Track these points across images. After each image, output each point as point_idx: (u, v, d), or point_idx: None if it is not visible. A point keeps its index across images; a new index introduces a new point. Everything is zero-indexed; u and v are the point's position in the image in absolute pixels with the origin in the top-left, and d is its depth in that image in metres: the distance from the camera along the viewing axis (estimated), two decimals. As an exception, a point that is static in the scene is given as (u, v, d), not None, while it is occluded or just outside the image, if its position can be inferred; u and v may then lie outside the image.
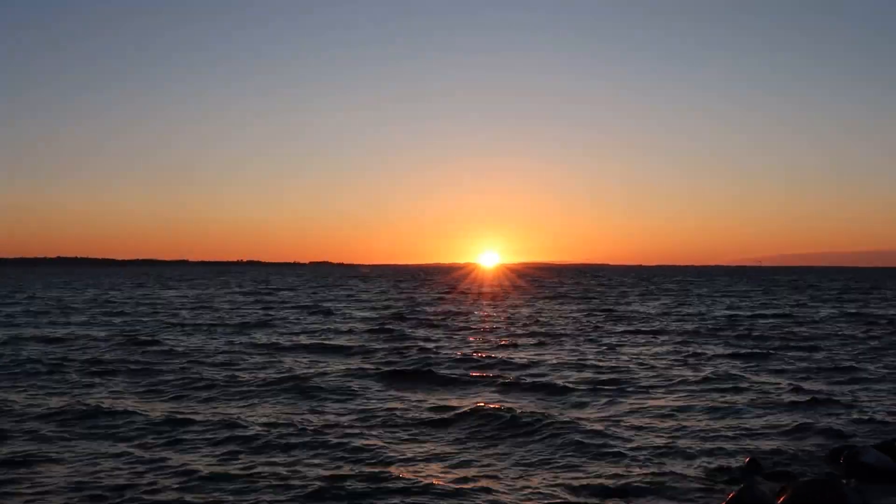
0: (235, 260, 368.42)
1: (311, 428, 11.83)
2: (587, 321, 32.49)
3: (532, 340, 24.48)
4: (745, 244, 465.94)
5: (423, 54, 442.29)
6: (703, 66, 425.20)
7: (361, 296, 58.26)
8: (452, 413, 12.87)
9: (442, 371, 17.85)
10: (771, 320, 32.86)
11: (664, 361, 19.48)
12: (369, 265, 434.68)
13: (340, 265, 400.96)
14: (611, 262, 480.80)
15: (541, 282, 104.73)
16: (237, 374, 17.47)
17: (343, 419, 12.72)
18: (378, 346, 22.87)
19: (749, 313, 37.67)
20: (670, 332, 27.28)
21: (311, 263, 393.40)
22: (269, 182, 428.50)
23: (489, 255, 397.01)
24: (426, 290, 73.80)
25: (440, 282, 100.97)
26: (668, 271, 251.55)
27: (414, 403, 14.04)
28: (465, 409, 13.17)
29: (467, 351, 21.93)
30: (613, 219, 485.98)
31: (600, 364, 19.11)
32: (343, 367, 18.69)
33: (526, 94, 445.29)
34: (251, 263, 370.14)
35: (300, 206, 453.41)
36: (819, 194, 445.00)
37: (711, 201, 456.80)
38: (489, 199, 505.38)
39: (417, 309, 40.82)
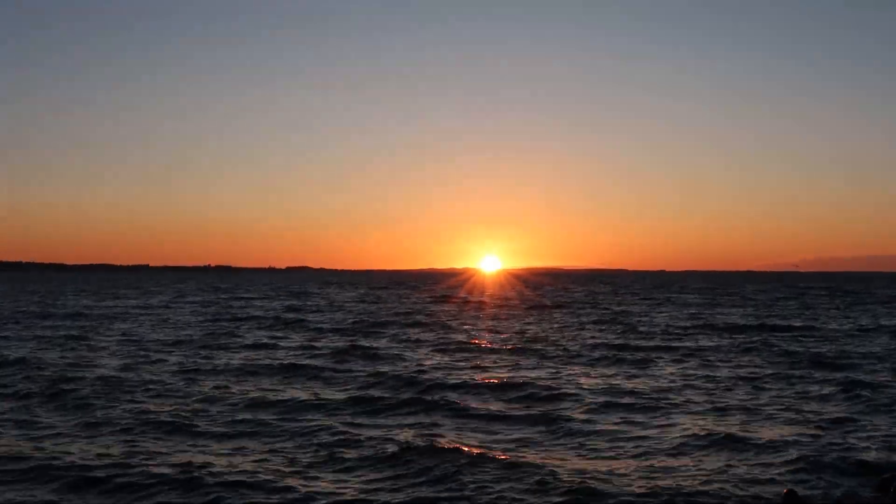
0: (202, 265, 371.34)
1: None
2: (598, 334, 32.72)
3: (527, 358, 24.70)
4: (781, 247, 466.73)
5: (418, 41, 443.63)
6: (740, 54, 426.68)
7: (332, 306, 58.65)
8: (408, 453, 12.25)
9: (410, 396, 17.54)
10: (799, 334, 33.02)
11: (687, 382, 19.48)
12: (355, 271, 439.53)
13: (321, 271, 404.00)
14: (628, 268, 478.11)
15: (546, 288, 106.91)
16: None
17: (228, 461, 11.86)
18: (332, 367, 22.56)
19: (774, 324, 38.09)
20: (693, 349, 27.20)
21: (287, 269, 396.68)
22: (242, 179, 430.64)
23: (490, 259, 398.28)
24: (412, 298, 74.91)
25: (430, 289, 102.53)
26: (692, 277, 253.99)
27: (380, 436, 13.48)
28: (421, 444, 12.66)
29: (451, 372, 21.58)
30: (631, 219, 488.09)
31: (620, 386, 19.04)
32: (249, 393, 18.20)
33: (532, 83, 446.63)
34: (220, 269, 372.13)
35: (276, 206, 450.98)
36: (864, 192, 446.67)
37: (743, 200, 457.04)
38: (491, 198, 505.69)
39: (394, 321, 41.08)
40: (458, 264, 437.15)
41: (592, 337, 31.77)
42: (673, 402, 16.84)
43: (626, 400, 16.97)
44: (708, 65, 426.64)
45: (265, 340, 30.74)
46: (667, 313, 48.03)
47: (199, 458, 11.80)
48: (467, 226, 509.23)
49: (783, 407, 15.84)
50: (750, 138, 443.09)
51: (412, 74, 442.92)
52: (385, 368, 22.05)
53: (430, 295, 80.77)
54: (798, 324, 38.87)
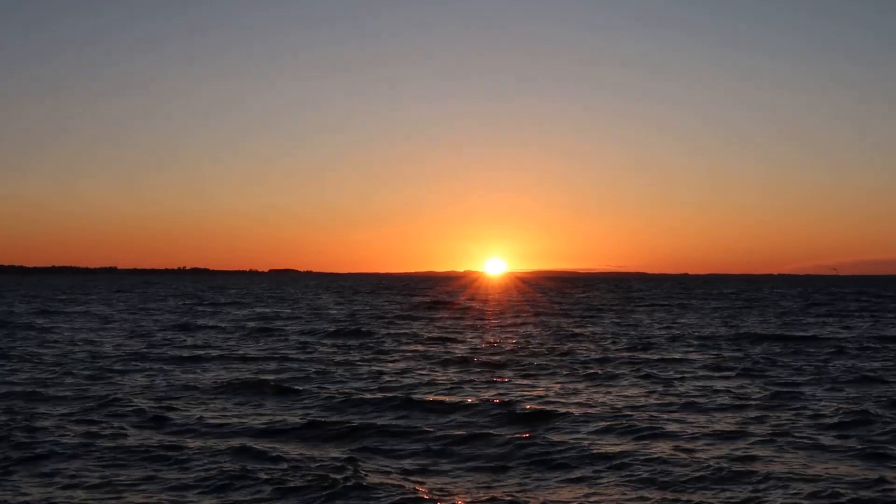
0: (176, 268, 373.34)
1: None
2: (613, 346, 32.83)
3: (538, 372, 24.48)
4: (816, 248, 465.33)
5: (414, 21, 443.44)
6: (773, 44, 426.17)
7: (310, 313, 58.56)
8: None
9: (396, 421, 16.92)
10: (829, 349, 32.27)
11: (689, 400, 19.40)
12: (346, 274, 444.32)
13: (309, 274, 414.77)
14: (647, 271, 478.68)
15: (552, 294, 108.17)
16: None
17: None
18: (288, 383, 21.88)
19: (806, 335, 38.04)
20: (695, 362, 27.11)
21: (271, 272, 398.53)
22: (221, 175, 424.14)
23: (494, 262, 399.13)
24: (401, 303, 75.58)
25: (423, 294, 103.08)
26: (717, 281, 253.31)
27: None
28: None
29: (422, 388, 21.20)
30: (650, 219, 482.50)
31: (609, 405, 18.75)
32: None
33: (545, 68, 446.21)
34: (196, 272, 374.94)
35: (259, 204, 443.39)
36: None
37: (774, 198, 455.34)
38: (496, 195, 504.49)
39: (374, 331, 40.61)
40: (459, 267, 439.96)
41: (587, 349, 31.55)
42: (671, 422, 16.56)
43: (615, 422, 16.41)
44: (739, 54, 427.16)
45: (215, 353, 30.03)
46: (680, 322, 48.36)
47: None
48: (470, 226, 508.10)
49: (807, 437, 15.30)
50: (781, 131, 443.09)
51: (409, 58, 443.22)
52: (349, 386, 21.58)
53: (423, 299, 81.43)
54: (821, 333, 38.88)
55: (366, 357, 28.29)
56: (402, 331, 40.94)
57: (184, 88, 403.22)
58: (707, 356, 28.77)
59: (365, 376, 23.29)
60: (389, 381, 22.17)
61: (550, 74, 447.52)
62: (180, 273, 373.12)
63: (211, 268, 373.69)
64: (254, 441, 14.56)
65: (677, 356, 28.29)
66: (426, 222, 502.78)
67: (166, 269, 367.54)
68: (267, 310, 61.59)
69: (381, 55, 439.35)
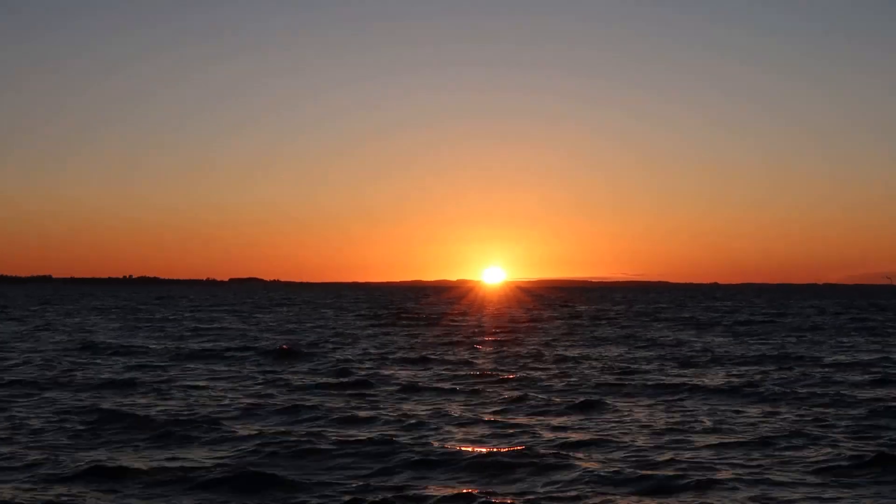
0: (122, 276, 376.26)
1: None
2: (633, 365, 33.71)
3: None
4: (868, 255, 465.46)
5: (411, 19, 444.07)
6: (818, 33, 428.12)
7: (256, 329, 59.17)
8: None
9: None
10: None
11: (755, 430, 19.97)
12: (319, 283, 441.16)
13: (276, 284, 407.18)
14: (670, 279, 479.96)
15: (555, 305, 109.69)
16: None
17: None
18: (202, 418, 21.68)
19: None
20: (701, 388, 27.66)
21: (231, 281, 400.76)
22: (174, 171, 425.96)
23: (493, 271, 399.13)
24: (377, 317, 77.03)
25: (404, 307, 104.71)
26: (750, 291, 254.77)
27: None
28: None
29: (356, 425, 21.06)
30: (675, 220, 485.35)
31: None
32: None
33: (544, 57, 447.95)
34: (143, 281, 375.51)
35: (219, 204, 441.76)
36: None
37: (820, 198, 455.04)
38: (495, 195, 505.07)
39: (314, 352, 40.77)
40: (451, 276, 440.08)
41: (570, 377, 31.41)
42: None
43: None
44: (778, 48, 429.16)
45: (114, 376, 29.69)
46: (697, 341, 48.69)
47: None
48: (465, 229, 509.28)
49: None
50: (826, 124, 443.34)
51: (397, 45, 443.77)
52: (272, 425, 21.04)
53: (407, 314, 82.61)
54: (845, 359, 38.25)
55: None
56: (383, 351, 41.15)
57: (129, 80, 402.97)
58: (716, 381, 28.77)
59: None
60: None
61: (556, 59, 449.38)
62: (125, 282, 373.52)
63: (161, 276, 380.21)
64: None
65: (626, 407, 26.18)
66: (415, 225, 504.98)
67: (110, 279, 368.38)
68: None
69: (364, 41, 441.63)
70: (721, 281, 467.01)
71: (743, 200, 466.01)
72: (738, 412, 22.76)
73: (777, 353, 39.57)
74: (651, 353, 39.90)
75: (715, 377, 30.63)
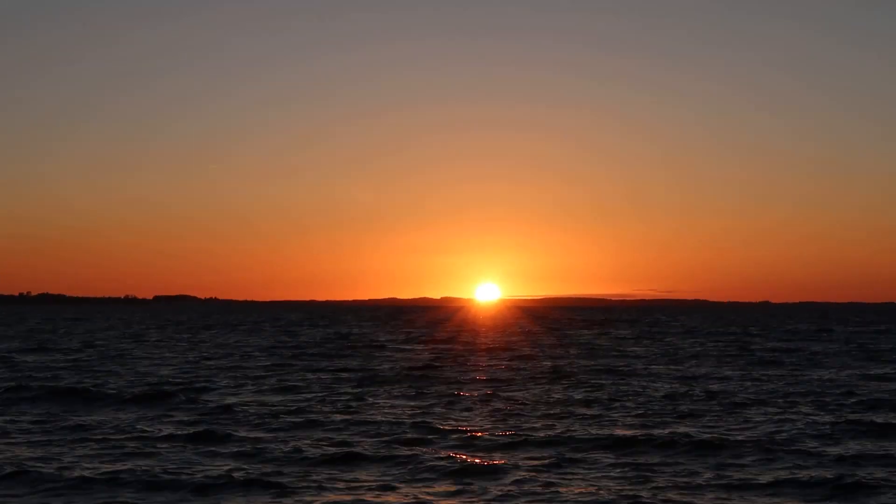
0: (17, 294, 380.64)
1: None
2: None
3: None
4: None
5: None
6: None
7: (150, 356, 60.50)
8: None
9: None
10: None
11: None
12: (265, 303, 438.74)
13: (212, 302, 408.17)
14: (710, 298, 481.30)
15: (556, 330, 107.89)
16: None
17: None
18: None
19: None
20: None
21: (157, 299, 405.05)
22: (86, 166, 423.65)
23: (487, 287, 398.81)
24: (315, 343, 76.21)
25: (356, 336, 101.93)
26: (807, 312, 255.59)
27: None
28: None
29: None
30: (713, 226, 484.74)
31: None
32: None
33: (552, 39, 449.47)
34: (45, 299, 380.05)
35: (143, 207, 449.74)
36: None
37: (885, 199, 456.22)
38: (490, 196, 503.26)
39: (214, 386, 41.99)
40: (434, 293, 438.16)
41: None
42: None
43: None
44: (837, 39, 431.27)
45: None
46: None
47: None
48: (452, 238, 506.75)
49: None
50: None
51: (380, 38, 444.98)
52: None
53: (347, 343, 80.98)
54: None
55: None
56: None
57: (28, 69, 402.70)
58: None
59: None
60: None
61: (566, 42, 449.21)
62: (21, 301, 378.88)
63: (67, 294, 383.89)
64: None
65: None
66: (391, 232, 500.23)
67: (2, 296, 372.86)
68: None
69: (341, 34, 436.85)
70: (773, 299, 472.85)
71: (800, 200, 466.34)
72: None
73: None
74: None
75: None
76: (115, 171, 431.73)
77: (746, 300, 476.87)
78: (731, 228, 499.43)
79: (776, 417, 31.64)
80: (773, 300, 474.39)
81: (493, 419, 31.42)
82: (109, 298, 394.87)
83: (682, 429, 29.00)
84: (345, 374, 47.77)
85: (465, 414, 32.84)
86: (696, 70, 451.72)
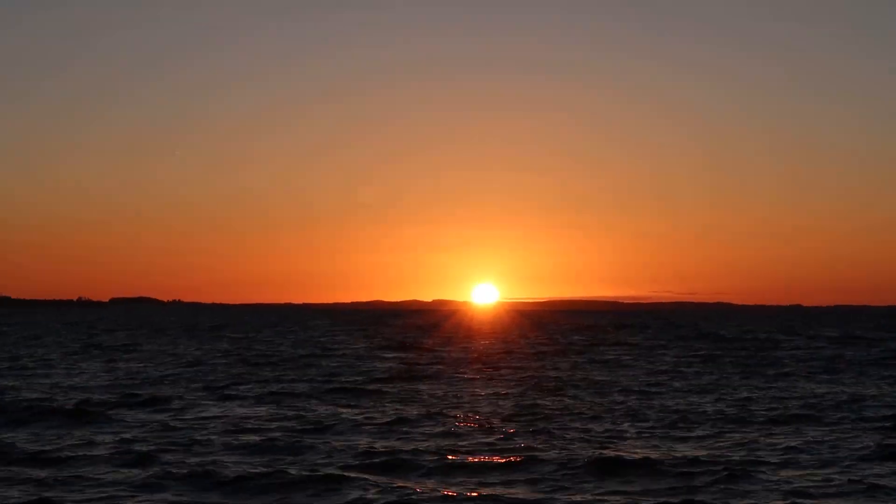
0: None
1: None
2: None
3: None
4: None
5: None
6: None
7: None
8: None
9: None
10: None
11: None
12: (241, 305, 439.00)
13: (175, 304, 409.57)
14: (735, 301, 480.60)
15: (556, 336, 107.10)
16: None
17: None
18: None
19: None
20: None
21: (114, 302, 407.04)
22: (35, 156, 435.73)
23: (484, 289, 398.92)
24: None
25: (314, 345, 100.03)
26: (846, 315, 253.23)
27: None
28: None
29: None
30: (740, 221, 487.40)
31: None
32: None
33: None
34: None
35: (96, 201, 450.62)
36: None
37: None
38: (485, 188, 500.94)
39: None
40: (425, 296, 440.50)
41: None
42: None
43: None
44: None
45: None
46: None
47: None
48: (445, 233, 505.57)
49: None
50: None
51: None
52: None
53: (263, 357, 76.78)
54: None
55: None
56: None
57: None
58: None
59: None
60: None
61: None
62: None
63: (13, 296, 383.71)
64: None
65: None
66: (376, 227, 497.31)
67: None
68: None
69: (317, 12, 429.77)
70: (804, 302, 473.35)
71: (837, 195, 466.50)
72: None
73: None
74: None
75: None
76: (57, 157, 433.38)
77: (775, 303, 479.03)
78: (761, 224, 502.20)
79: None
80: (805, 303, 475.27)
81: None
82: (61, 301, 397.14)
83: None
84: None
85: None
86: (731, 52, 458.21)
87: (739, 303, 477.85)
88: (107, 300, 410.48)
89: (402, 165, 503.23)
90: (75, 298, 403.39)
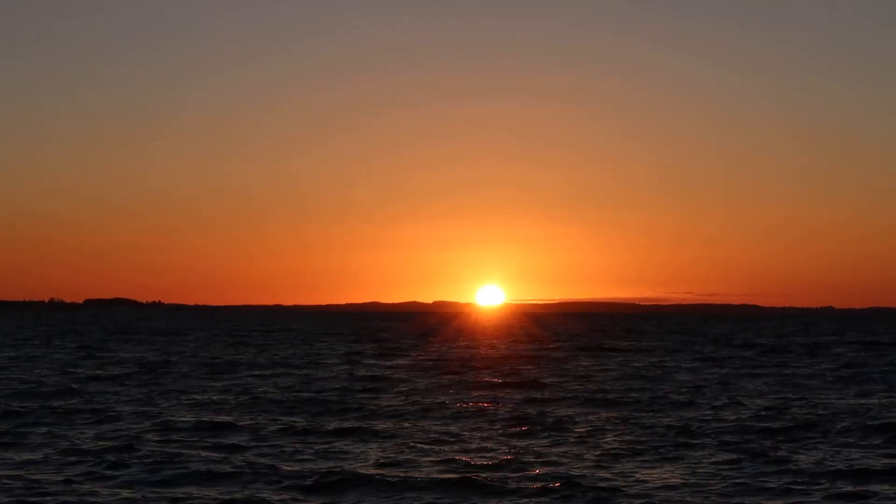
0: None
1: None
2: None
3: None
4: None
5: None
6: None
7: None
8: None
9: None
10: None
11: None
12: (228, 307, 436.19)
13: (155, 306, 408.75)
14: (760, 302, 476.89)
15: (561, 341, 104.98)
16: None
17: None
18: None
19: None
20: None
21: (88, 303, 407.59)
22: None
23: (489, 290, 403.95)
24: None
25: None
26: (877, 319, 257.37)
27: None
28: None
29: None
30: (766, 219, 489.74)
31: None
32: None
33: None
34: None
35: (70, 196, 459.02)
36: None
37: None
38: (494, 181, 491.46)
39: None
40: (425, 297, 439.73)
41: None
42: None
43: None
44: None
45: None
46: None
47: None
48: (448, 232, 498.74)
49: None
50: None
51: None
52: None
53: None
54: None
55: None
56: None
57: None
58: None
59: None
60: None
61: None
62: None
63: None
64: None
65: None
66: (374, 225, 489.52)
67: None
68: None
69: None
70: (836, 304, 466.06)
71: (871, 191, 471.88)
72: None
73: None
74: None
75: None
76: (25, 150, 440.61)
77: (804, 305, 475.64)
78: (786, 221, 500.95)
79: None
80: (837, 305, 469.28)
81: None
82: (31, 302, 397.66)
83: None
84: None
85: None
86: (752, 36, 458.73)
87: (765, 304, 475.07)
88: (81, 301, 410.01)
89: (400, 159, 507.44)
90: (47, 300, 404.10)
